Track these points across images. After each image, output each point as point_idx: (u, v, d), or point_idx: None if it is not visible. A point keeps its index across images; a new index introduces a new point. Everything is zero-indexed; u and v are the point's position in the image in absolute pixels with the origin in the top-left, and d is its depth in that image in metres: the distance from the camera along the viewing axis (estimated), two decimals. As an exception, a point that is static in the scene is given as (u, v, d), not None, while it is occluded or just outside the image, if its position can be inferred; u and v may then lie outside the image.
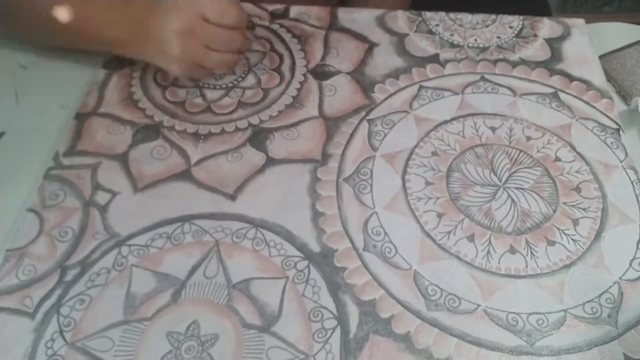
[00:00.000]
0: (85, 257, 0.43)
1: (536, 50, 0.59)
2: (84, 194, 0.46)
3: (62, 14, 0.47)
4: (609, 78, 0.57)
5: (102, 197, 0.46)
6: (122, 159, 0.49)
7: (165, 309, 0.40)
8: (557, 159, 0.50)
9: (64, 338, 0.39)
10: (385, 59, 0.58)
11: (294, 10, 0.63)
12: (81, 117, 0.52)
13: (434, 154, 0.50)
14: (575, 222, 0.45)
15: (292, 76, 0.56)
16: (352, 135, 0.51)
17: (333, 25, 0.61)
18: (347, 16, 0.62)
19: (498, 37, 0.60)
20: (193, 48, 0.47)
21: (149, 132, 0.51)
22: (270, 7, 0.63)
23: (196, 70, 0.50)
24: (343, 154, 0.50)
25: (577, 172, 0.49)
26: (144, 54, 0.50)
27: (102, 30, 0.48)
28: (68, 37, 0.51)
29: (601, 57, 0.59)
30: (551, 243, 0.44)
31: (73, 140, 0.50)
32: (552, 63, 0.58)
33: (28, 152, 0.50)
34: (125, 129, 0.51)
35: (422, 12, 0.63)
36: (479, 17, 0.63)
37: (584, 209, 0.46)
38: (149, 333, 0.39)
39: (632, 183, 0.48)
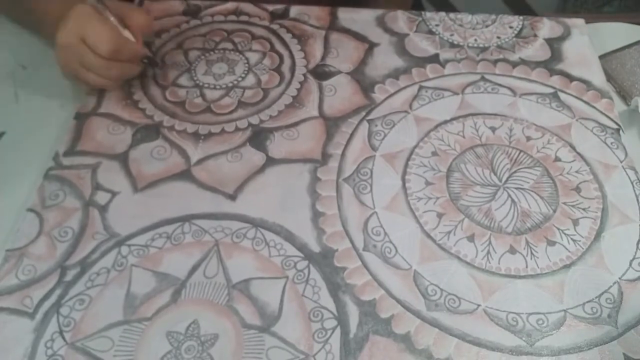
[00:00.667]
0: (85, 257, 0.43)
1: (536, 50, 0.59)
2: (84, 194, 0.46)
3: None
4: (609, 78, 0.57)
5: (102, 197, 0.46)
6: (122, 159, 0.49)
7: (165, 308, 0.40)
8: (557, 159, 0.50)
9: (63, 338, 0.39)
10: (385, 59, 0.58)
11: (294, 11, 0.63)
12: (81, 117, 0.52)
13: (434, 154, 0.50)
14: (575, 222, 0.45)
15: (292, 76, 0.56)
16: (352, 135, 0.51)
17: (333, 25, 0.61)
18: (347, 16, 0.62)
19: (498, 37, 0.60)
20: (71, 63, 0.50)
21: (149, 132, 0.51)
22: (270, 7, 0.63)
23: (79, 81, 0.52)
24: (343, 154, 0.50)
25: (577, 172, 0.49)
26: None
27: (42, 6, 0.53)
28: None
29: (601, 57, 0.59)
30: (551, 243, 0.44)
31: (73, 140, 0.50)
32: (552, 63, 0.58)
33: (28, 152, 0.50)
34: (125, 129, 0.51)
35: (422, 12, 0.63)
36: (479, 17, 0.63)
37: (584, 209, 0.46)
38: (148, 333, 0.39)
39: (632, 183, 0.48)
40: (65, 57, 0.49)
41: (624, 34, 0.62)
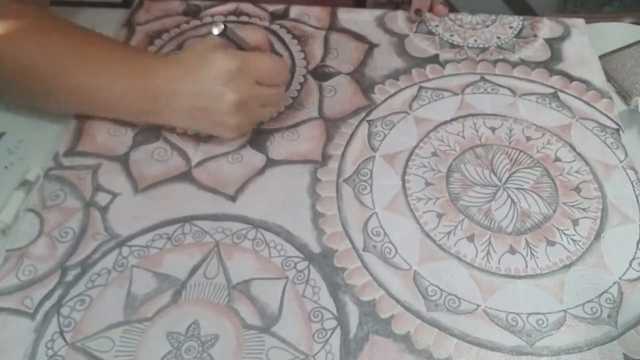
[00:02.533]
0: (85, 257, 0.43)
1: (536, 50, 0.59)
2: (84, 195, 0.46)
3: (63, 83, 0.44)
4: (609, 78, 0.57)
5: (102, 198, 0.46)
6: (123, 161, 0.49)
7: (165, 309, 0.40)
8: (557, 159, 0.50)
9: (64, 338, 0.39)
10: (385, 60, 0.58)
11: (294, 11, 0.63)
12: (81, 118, 0.52)
13: (434, 154, 0.50)
14: (575, 223, 0.45)
15: (292, 77, 0.56)
16: (352, 136, 0.51)
17: (333, 26, 0.62)
18: (347, 16, 0.62)
19: (498, 38, 0.60)
20: (250, 112, 0.46)
21: (149, 134, 0.51)
22: (271, 8, 0.63)
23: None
24: (343, 155, 0.50)
25: (577, 172, 0.49)
26: (172, 121, 0.48)
27: (116, 102, 0.46)
28: (68, 104, 0.49)
29: (601, 57, 0.59)
30: (551, 243, 0.44)
31: (73, 141, 0.50)
32: (552, 63, 0.58)
33: (28, 152, 0.50)
34: (126, 130, 0.51)
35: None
36: (478, 18, 0.63)
37: (583, 209, 0.46)
38: (149, 333, 0.39)
39: (632, 183, 0.48)
40: (243, 115, 0.45)
41: (624, 34, 0.62)
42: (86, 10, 0.64)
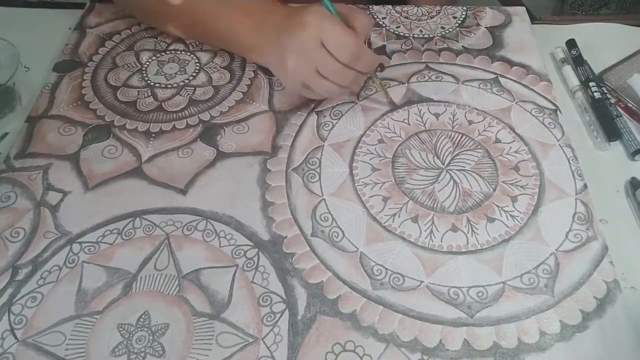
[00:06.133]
0: (36, 255, 0.43)
1: (478, 38, 0.61)
2: (35, 195, 0.47)
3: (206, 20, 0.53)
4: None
5: (53, 197, 0.47)
6: (73, 159, 0.49)
7: (116, 302, 0.41)
8: (498, 141, 0.52)
9: (15, 336, 0.39)
10: (333, 53, 0.59)
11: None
12: (32, 120, 0.52)
13: (380, 141, 0.52)
14: (514, 199, 0.47)
15: (243, 73, 0.57)
16: (301, 127, 0.53)
17: (283, 22, 0.63)
18: (296, 13, 0.64)
19: (442, 28, 0.62)
20: (304, 68, 0.47)
21: (100, 132, 0.51)
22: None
23: (305, 91, 0.50)
24: (292, 145, 0.51)
25: (516, 152, 0.51)
26: (269, 63, 0.53)
27: (241, 37, 0.53)
28: (208, 39, 0.58)
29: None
30: (491, 220, 0.46)
31: (24, 143, 0.50)
32: (493, 50, 0.60)
33: None
34: (76, 129, 0.52)
35: (370, 6, 0.65)
36: (424, 9, 0.65)
37: (522, 187, 0.48)
38: (100, 326, 0.40)
39: (568, 160, 0.50)
40: (298, 64, 0.47)
41: (621, 36, 0.63)
42: (46, 11, 0.64)
